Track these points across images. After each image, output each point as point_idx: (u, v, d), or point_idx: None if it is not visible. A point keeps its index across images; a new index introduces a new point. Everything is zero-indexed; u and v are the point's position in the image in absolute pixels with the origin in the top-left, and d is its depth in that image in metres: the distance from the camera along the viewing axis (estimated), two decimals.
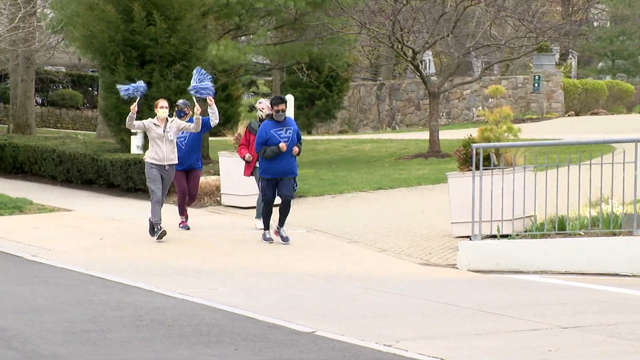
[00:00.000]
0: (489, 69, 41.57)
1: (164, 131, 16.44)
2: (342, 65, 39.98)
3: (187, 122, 16.97)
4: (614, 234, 14.57)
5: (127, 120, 16.46)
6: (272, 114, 16.10)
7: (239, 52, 31.09)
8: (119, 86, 17.27)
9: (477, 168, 15.11)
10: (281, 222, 16.32)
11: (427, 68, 50.37)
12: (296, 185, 16.69)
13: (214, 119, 17.12)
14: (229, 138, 21.24)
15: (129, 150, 23.92)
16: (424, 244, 16.50)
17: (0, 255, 15.72)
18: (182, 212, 17.86)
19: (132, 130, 23.75)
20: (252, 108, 47.92)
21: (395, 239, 16.88)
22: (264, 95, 47.76)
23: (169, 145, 16.51)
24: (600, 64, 61.02)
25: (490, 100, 42.83)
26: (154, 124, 16.55)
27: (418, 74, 30.34)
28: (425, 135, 31.66)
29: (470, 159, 15.96)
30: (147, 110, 23.77)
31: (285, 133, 16.01)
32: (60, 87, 51.02)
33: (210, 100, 16.94)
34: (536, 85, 43.25)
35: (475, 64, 49.29)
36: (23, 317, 10.67)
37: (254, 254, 15.81)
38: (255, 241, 16.72)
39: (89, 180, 24.19)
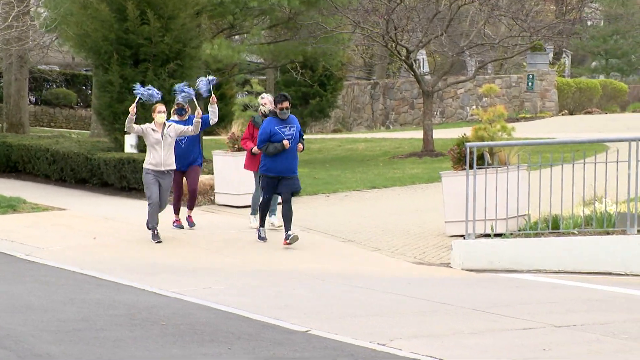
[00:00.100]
0: (482, 68, 41.59)
1: (162, 136, 16.29)
2: (336, 65, 39.98)
3: (186, 120, 16.96)
4: (608, 233, 14.58)
5: (126, 122, 16.27)
6: (275, 112, 15.96)
7: (232, 51, 31.08)
8: (138, 89, 16.87)
9: (471, 167, 15.12)
10: (287, 227, 15.95)
11: (421, 67, 50.40)
12: (297, 189, 16.31)
13: (214, 117, 17.10)
14: (223, 137, 21.25)
15: (122, 149, 23.90)
16: (418, 242, 16.50)
17: None
18: (177, 211, 17.84)
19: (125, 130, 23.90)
20: (246, 107, 47.93)
21: (389, 237, 16.88)
22: (259, 94, 47.70)
23: (167, 151, 16.36)
24: (594, 63, 61.11)
25: (484, 99, 42.87)
26: (152, 129, 16.37)
27: (412, 73, 30.36)
28: (419, 134, 31.68)
29: (464, 158, 15.97)
30: (141, 109, 23.83)
31: (289, 130, 15.88)
32: (54, 86, 50.96)
33: (213, 98, 16.96)
34: (530, 84, 43.29)
35: (469, 63, 49.32)
36: (16, 316, 10.65)
37: (247, 253, 15.81)
38: (249, 240, 16.71)
39: (83, 179, 24.17)
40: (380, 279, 13.76)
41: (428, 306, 11.58)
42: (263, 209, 16.36)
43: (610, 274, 14.17)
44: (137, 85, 16.99)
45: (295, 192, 16.19)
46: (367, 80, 52.64)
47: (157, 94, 16.75)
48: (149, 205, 16.45)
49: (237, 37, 35.57)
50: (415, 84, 40.19)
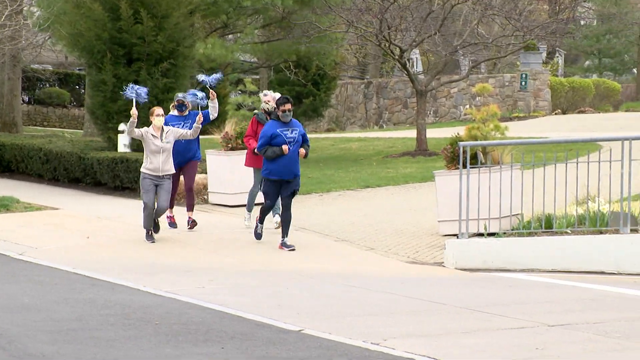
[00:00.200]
0: (476, 68, 41.61)
1: (162, 141, 16.10)
2: (330, 64, 39.99)
3: (186, 116, 16.90)
4: (601, 232, 14.60)
5: (127, 126, 16.04)
6: (278, 115, 15.67)
7: (226, 51, 31.11)
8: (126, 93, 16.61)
9: (465, 166, 15.13)
10: (285, 232, 15.85)
11: (415, 66, 50.40)
12: (298, 187, 16.13)
13: (214, 112, 16.98)
14: (216, 136, 21.22)
15: (116, 149, 23.88)
16: (412, 242, 16.51)
17: None
18: (171, 206, 17.67)
19: (119, 129, 23.87)
20: (239, 106, 47.91)
21: (382, 237, 16.89)
22: (252, 94, 47.75)
23: (166, 156, 16.15)
24: (587, 63, 61.19)
25: (477, 98, 42.90)
26: (152, 134, 16.11)
27: (405, 72, 30.37)
28: (412, 133, 31.68)
29: (457, 158, 15.98)
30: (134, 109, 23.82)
31: (291, 133, 15.60)
32: (47, 85, 50.91)
33: (213, 94, 16.89)
34: (523, 83, 43.33)
35: (463, 62, 49.34)
36: (10, 316, 10.64)
37: (241, 252, 15.80)
38: (243, 240, 16.71)
39: (76, 179, 24.14)
40: (374, 278, 13.76)
41: (422, 305, 11.59)
42: (264, 212, 16.12)
43: (603, 273, 14.19)
44: (127, 90, 16.70)
45: (295, 191, 16.04)
46: (360, 80, 52.65)
47: (144, 94, 16.47)
48: (143, 209, 16.35)
49: (230, 36, 35.58)
50: (409, 83, 40.19)
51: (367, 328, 10.12)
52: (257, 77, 51.03)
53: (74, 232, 17.53)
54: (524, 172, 15.59)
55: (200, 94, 16.85)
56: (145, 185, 16.22)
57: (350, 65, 54.00)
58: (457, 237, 15.08)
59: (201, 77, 17.09)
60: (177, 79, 23.83)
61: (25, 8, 34.20)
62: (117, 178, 22.67)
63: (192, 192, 17.59)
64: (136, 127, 16.04)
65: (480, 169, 15.66)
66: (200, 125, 16.44)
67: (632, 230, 14.45)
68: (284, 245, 15.78)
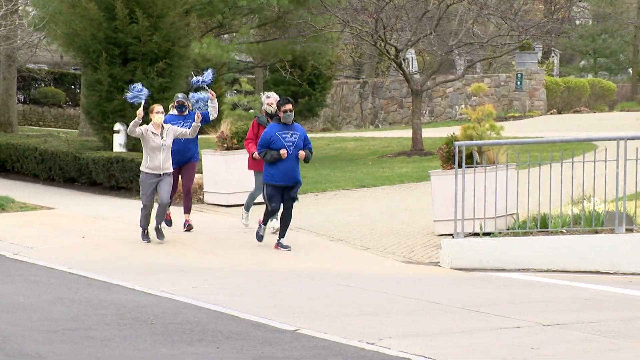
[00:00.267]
0: (471, 67, 41.68)
1: (162, 139, 15.98)
2: (325, 63, 40.02)
3: (185, 116, 16.85)
4: (596, 232, 14.61)
5: (130, 125, 15.88)
6: (279, 117, 15.50)
7: (221, 50, 31.10)
8: (128, 95, 16.52)
9: (460, 166, 15.14)
10: (282, 233, 15.76)
11: (410, 66, 50.43)
12: (296, 196, 15.94)
13: (214, 112, 16.86)
14: (212, 136, 21.22)
15: (111, 149, 23.87)
16: (407, 241, 16.52)
17: None
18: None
19: (114, 129, 23.85)
20: (235, 106, 47.87)
21: (378, 237, 16.89)
22: (248, 93, 47.75)
23: (166, 154, 16.03)
24: (583, 62, 61.24)
25: (473, 98, 42.92)
26: (152, 132, 15.98)
27: (401, 72, 30.38)
28: (408, 133, 31.70)
29: (452, 157, 15.98)
30: (130, 108, 23.80)
31: (290, 137, 15.41)
32: (43, 85, 50.85)
33: (212, 94, 16.82)
34: (519, 83, 43.36)
35: (458, 62, 49.38)
36: (5, 316, 10.63)
37: (236, 252, 15.80)
38: (239, 240, 16.70)
39: (71, 179, 24.13)
40: (370, 278, 13.76)
41: (417, 305, 11.60)
42: (268, 215, 15.86)
43: (598, 272, 14.20)
44: (130, 92, 16.52)
45: (294, 198, 15.87)
46: (356, 79, 52.66)
47: (144, 93, 16.39)
48: (141, 209, 16.28)
49: (226, 36, 35.59)
50: (404, 83, 40.21)
51: (362, 328, 10.12)
52: (253, 76, 51.04)
53: (69, 231, 17.52)
54: (519, 171, 15.60)
55: (204, 95, 16.82)
56: (145, 186, 16.11)
57: (346, 65, 54.02)
58: (453, 237, 15.09)
59: (195, 79, 17.00)
60: (172, 79, 23.82)
61: (20, 7, 34.15)
62: (113, 178, 22.66)
63: (190, 194, 17.48)
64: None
65: (476, 168, 15.67)
66: (200, 124, 16.35)
67: (627, 230, 14.46)
68: (279, 245, 15.76)
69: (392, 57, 29.61)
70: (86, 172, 23.51)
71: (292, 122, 15.55)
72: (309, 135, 17.04)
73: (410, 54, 50.71)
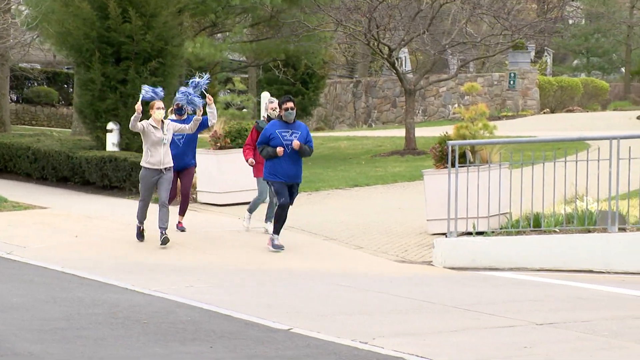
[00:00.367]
0: (464, 67, 41.69)
1: (164, 134, 15.83)
2: (318, 63, 40.01)
3: (184, 120, 16.64)
4: (589, 231, 14.63)
5: (131, 120, 15.63)
6: (281, 115, 15.43)
7: (215, 50, 31.10)
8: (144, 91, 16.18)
9: (453, 165, 15.15)
10: (277, 229, 15.65)
11: (403, 65, 50.48)
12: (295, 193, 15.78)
13: (213, 118, 16.55)
14: (205, 135, 21.20)
15: (104, 148, 23.85)
16: (400, 241, 16.52)
17: None
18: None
19: (107, 128, 23.82)
20: (228, 105, 47.97)
21: (371, 236, 16.90)
22: (241, 92, 47.74)
23: (166, 149, 15.89)
24: (575, 62, 61.32)
25: (466, 97, 42.96)
26: (153, 126, 15.82)
27: (394, 71, 30.40)
28: (401, 132, 31.71)
29: (446, 156, 16.00)
30: (123, 107, 23.79)
31: (290, 136, 15.32)
32: (36, 84, 50.78)
33: (210, 98, 16.53)
34: (512, 82, 43.41)
35: (451, 61, 49.41)
36: None
37: (230, 251, 15.79)
38: (231, 238, 16.70)
39: (64, 178, 24.10)
40: (363, 277, 13.77)
41: (410, 304, 11.60)
42: (279, 216, 15.47)
43: (591, 271, 14.22)
44: (144, 89, 16.31)
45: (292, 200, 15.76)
46: (349, 79, 52.68)
47: (159, 93, 16.22)
48: (139, 201, 16.15)
49: (219, 35, 35.58)
50: (398, 83, 40.23)
51: (355, 327, 10.12)
52: (246, 76, 50.99)
53: (62, 231, 17.50)
54: (512, 171, 15.61)
55: (196, 94, 16.58)
56: (145, 183, 15.93)
57: (339, 64, 54.02)
58: (446, 236, 15.10)
59: (192, 81, 16.70)
60: (165, 78, 23.80)
61: (13, 6, 34.11)
62: (106, 177, 22.64)
63: (187, 198, 17.40)
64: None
65: (469, 168, 15.68)
66: (201, 119, 16.13)
67: (620, 229, 14.49)
68: (272, 242, 15.70)
69: (385, 56, 29.63)
70: (79, 172, 23.49)
71: (294, 121, 15.51)
72: None
73: (404, 53, 50.75)
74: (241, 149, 19.32)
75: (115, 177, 22.34)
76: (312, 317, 10.70)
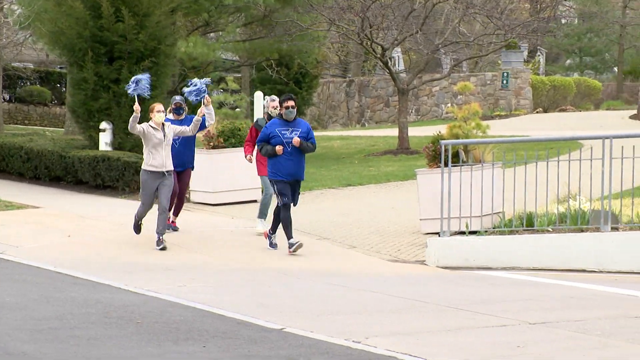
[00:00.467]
0: (457, 66, 41.70)
1: (164, 136, 15.64)
2: (312, 62, 39.99)
3: (182, 120, 16.48)
4: (582, 230, 14.65)
5: (130, 121, 15.45)
6: (281, 113, 15.38)
7: (208, 49, 31.07)
8: (128, 86, 16.11)
9: (446, 165, 15.16)
10: (274, 227, 15.63)
11: (396, 65, 50.42)
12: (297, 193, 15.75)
13: (210, 119, 16.32)
14: (198, 134, 21.16)
15: (97, 147, 23.82)
16: (393, 240, 16.53)
17: None
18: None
19: (100, 127, 23.79)
20: (221, 104, 47.93)
21: (364, 235, 16.90)
22: (234, 92, 47.69)
23: (167, 151, 15.70)
24: (568, 61, 61.33)
25: (459, 97, 42.98)
26: (152, 127, 15.63)
27: (387, 70, 30.40)
28: (394, 132, 31.72)
29: (439, 156, 16.00)
30: (116, 107, 23.76)
31: (290, 134, 15.28)
32: (28, 83, 50.71)
33: (207, 99, 16.20)
34: (504, 82, 43.43)
35: (444, 60, 49.41)
36: None
37: (223, 251, 15.79)
38: (224, 238, 16.69)
39: (57, 177, 24.07)
40: (356, 276, 13.77)
41: (403, 303, 11.60)
42: (284, 218, 15.39)
43: (584, 271, 14.24)
44: (129, 86, 16.16)
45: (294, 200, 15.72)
46: (342, 78, 52.66)
47: (147, 83, 16.06)
48: (140, 205, 15.95)
49: (212, 34, 35.55)
50: (391, 82, 40.24)
51: (348, 326, 10.12)
52: (239, 75, 50.96)
53: (55, 230, 17.47)
54: (505, 170, 15.62)
55: (200, 84, 16.25)
56: (147, 187, 15.70)
57: (332, 64, 53.99)
58: (439, 235, 15.11)
59: (191, 83, 16.57)
60: (158, 77, 23.76)
61: (5, 6, 34.07)
62: (99, 176, 22.61)
63: (183, 198, 17.33)
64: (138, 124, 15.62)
65: (462, 167, 15.68)
66: (200, 119, 15.99)
67: (612, 229, 14.51)
68: (269, 237, 15.72)
69: (379, 55, 29.63)
70: (72, 171, 23.46)
71: (295, 119, 15.47)
72: None
73: (397, 53, 50.72)
74: (234, 149, 19.31)
75: (108, 177, 22.32)
76: (306, 317, 10.70)
